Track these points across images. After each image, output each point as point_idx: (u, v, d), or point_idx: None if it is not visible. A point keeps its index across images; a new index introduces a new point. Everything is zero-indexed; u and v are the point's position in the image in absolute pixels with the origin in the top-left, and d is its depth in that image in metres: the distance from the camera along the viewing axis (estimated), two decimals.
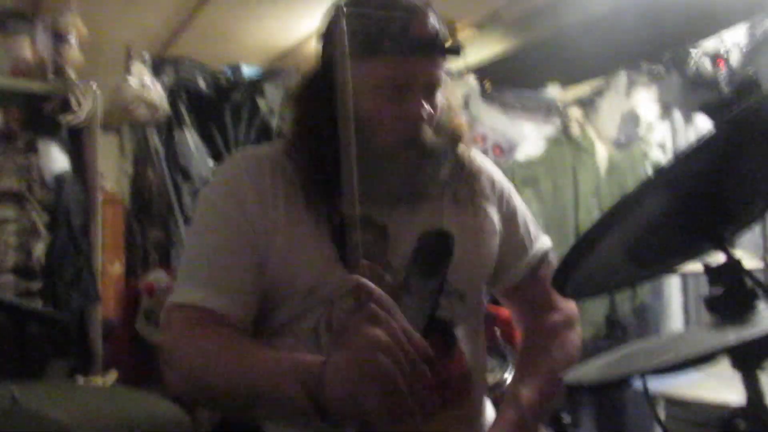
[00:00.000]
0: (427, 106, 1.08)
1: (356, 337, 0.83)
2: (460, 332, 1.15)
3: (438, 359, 1.08)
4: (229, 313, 1.05)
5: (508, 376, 2.07)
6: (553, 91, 3.60)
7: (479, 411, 1.21)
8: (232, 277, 1.06)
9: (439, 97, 1.12)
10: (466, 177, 1.21)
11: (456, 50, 1.09)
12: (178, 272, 1.16)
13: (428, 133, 1.09)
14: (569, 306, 1.29)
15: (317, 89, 1.11)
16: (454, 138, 1.16)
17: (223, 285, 1.06)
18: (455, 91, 1.21)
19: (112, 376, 2.51)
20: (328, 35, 1.12)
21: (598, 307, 3.20)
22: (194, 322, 1.04)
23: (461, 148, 1.19)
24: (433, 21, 1.07)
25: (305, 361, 0.89)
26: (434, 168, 1.12)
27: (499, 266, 1.24)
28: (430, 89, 1.09)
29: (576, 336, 1.26)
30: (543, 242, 1.29)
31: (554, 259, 1.30)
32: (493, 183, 1.26)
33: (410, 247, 1.09)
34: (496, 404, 1.28)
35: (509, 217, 1.26)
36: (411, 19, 1.05)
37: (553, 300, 1.27)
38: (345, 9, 1.06)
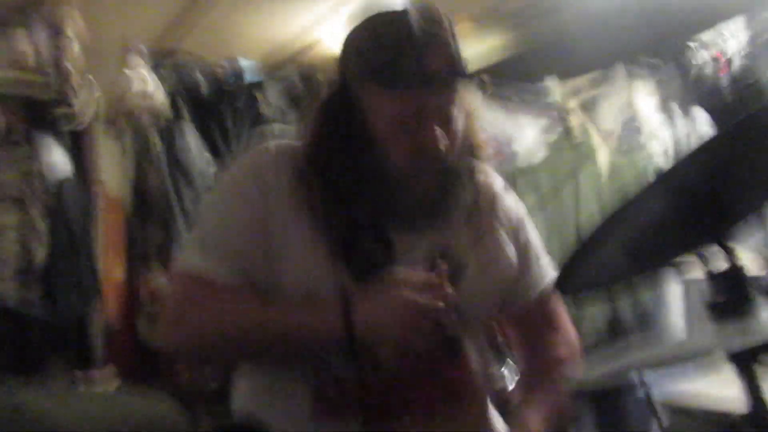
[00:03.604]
0: (442, 134, 1.05)
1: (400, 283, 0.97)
2: (466, 346, 1.14)
3: (445, 370, 1.10)
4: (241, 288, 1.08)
5: (507, 375, 2.07)
6: (552, 88, 3.59)
7: (485, 418, 1.21)
8: (246, 257, 1.08)
9: (459, 117, 1.09)
10: (484, 199, 1.19)
11: (472, 76, 1.07)
12: (190, 235, 1.19)
13: (447, 158, 1.07)
14: (573, 339, 1.27)
15: (334, 108, 1.11)
16: (474, 156, 1.15)
17: (237, 263, 1.08)
18: (473, 103, 1.17)
19: (111, 370, 2.51)
20: (345, 55, 1.11)
21: (598, 310, 3.20)
22: (207, 287, 1.07)
23: (481, 167, 1.17)
24: (448, 46, 1.04)
25: (327, 295, 1.02)
26: (453, 190, 1.11)
27: (509, 293, 1.22)
28: (446, 115, 1.06)
29: (578, 371, 1.24)
30: (551, 272, 1.27)
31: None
32: (508, 211, 1.25)
33: (419, 262, 1.08)
34: (495, 404, 1.28)
35: (523, 247, 1.24)
36: (424, 50, 1.02)
37: (559, 332, 1.26)
38: (362, 26, 1.08)
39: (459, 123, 1.09)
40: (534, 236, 1.28)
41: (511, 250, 1.21)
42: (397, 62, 1.01)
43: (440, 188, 1.09)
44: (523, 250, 1.24)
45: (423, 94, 1.03)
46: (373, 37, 1.05)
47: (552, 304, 1.27)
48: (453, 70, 1.04)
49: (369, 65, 1.05)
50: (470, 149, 1.14)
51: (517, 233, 1.24)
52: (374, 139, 1.07)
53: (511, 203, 1.27)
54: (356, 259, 1.07)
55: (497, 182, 1.27)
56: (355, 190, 1.08)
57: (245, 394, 1.19)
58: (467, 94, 1.14)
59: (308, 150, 1.12)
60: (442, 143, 1.05)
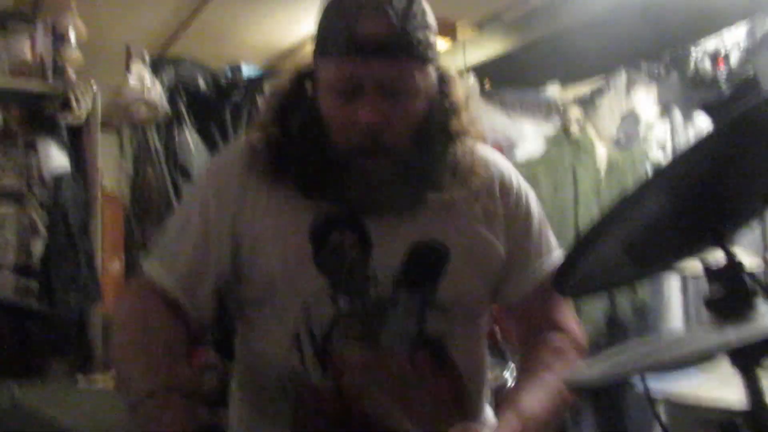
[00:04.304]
0: (380, 111, 0.98)
1: None
2: (452, 346, 1.09)
3: (429, 375, 1.05)
4: (183, 303, 1.07)
5: (508, 375, 2.07)
6: (553, 91, 3.60)
7: (479, 421, 1.16)
8: (192, 271, 1.08)
9: (415, 94, 1.01)
10: (466, 183, 1.10)
11: (404, 49, 0.97)
12: (158, 238, 1.18)
13: (398, 140, 1.01)
14: (575, 328, 1.19)
15: (291, 90, 1.08)
16: (453, 141, 1.08)
17: (186, 277, 1.08)
18: (458, 89, 1.11)
19: (113, 375, 2.50)
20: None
21: (598, 307, 3.20)
22: (150, 300, 1.08)
23: (461, 152, 1.09)
24: (392, 14, 0.96)
25: (138, 383, 0.97)
26: (414, 177, 1.04)
27: (503, 277, 1.16)
28: (390, 92, 0.99)
29: (579, 360, 1.17)
30: (555, 256, 1.18)
31: None
32: (503, 186, 1.16)
33: (397, 256, 1.04)
34: (496, 405, 1.26)
35: (520, 223, 1.16)
36: (361, 16, 0.95)
37: (560, 321, 1.18)
38: (325, 5, 1.03)
39: (414, 100, 1.01)
40: (537, 218, 1.19)
41: (496, 239, 1.13)
42: (332, 29, 0.98)
43: (393, 175, 1.02)
44: (522, 225, 1.16)
45: (357, 62, 0.96)
46: (326, 11, 1.01)
47: (554, 294, 1.16)
48: (395, 39, 0.96)
49: (315, 37, 1.02)
50: (448, 132, 1.08)
51: (517, 211, 1.16)
52: (319, 116, 1.03)
53: (509, 178, 1.19)
54: (326, 250, 1.03)
55: (494, 156, 1.19)
56: (314, 174, 1.03)
57: (236, 405, 1.20)
58: (455, 81, 1.09)
59: (269, 136, 1.09)
60: (379, 118, 0.98)
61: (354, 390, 1.03)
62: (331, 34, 0.98)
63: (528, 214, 1.18)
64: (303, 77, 1.07)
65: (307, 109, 1.04)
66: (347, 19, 0.96)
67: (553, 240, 1.21)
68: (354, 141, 1.00)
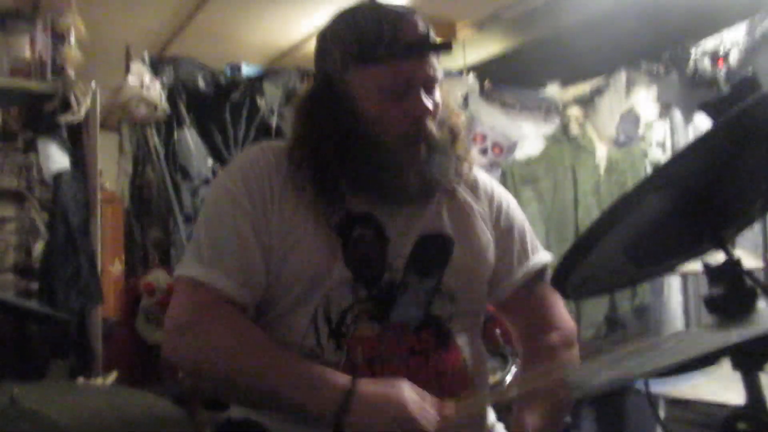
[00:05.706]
0: (429, 102, 1.12)
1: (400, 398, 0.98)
2: (455, 329, 1.18)
3: (434, 350, 1.14)
4: (237, 297, 1.11)
5: (509, 377, 2.07)
6: (553, 91, 3.60)
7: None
8: (243, 264, 1.11)
9: (438, 94, 1.16)
10: (466, 180, 1.24)
11: (447, 46, 1.14)
12: (188, 246, 1.21)
13: (433, 128, 1.14)
14: (567, 324, 1.28)
15: (317, 101, 1.16)
16: (453, 134, 1.20)
17: (235, 270, 1.11)
18: (452, 89, 1.24)
19: (112, 377, 2.50)
20: (323, 49, 1.17)
21: (598, 307, 3.20)
22: (208, 302, 1.10)
23: (460, 146, 1.22)
24: (421, 23, 1.12)
25: (335, 381, 1.01)
26: (440, 163, 1.16)
27: (493, 277, 1.26)
28: (429, 86, 1.14)
29: (574, 356, 1.25)
30: (541, 257, 1.30)
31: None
32: (492, 197, 1.29)
33: (408, 246, 1.15)
34: (498, 407, 1.28)
35: (506, 229, 1.27)
36: (400, 24, 1.10)
37: (551, 318, 1.27)
38: (336, 21, 1.16)
39: (437, 92, 1.16)
40: (520, 222, 1.31)
41: (487, 231, 1.25)
42: (379, 39, 1.09)
43: (430, 159, 1.14)
44: (505, 233, 1.27)
45: (404, 64, 1.10)
46: (351, 25, 1.13)
47: (541, 289, 1.28)
48: (428, 42, 1.12)
49: (352, 49, 1.11)
50: (449, 126, 1.20)
51: (498, 216, 1.28)
52: (363, 118, 1.12)
53: (494, 187, 1.31)
54: (351, 247, 1.12)
55: (476, 169, 1.30)
56: (345, 176, 1.12)
57: None
58: (446, 81, 1.21)
59: (295, 144, 1.16)
60: (428, 109, 1.12)
61: (365, 362, 1.10)
62: (377, 43, 1.10)
63: (513, 219, 1.29)
64: (329, 84, 1.15)
65: (339, 115, 1.13)
66: (391, 28, 1.10)
67: (537, 243, 1.32)
68: (405, 133, 1.12)
